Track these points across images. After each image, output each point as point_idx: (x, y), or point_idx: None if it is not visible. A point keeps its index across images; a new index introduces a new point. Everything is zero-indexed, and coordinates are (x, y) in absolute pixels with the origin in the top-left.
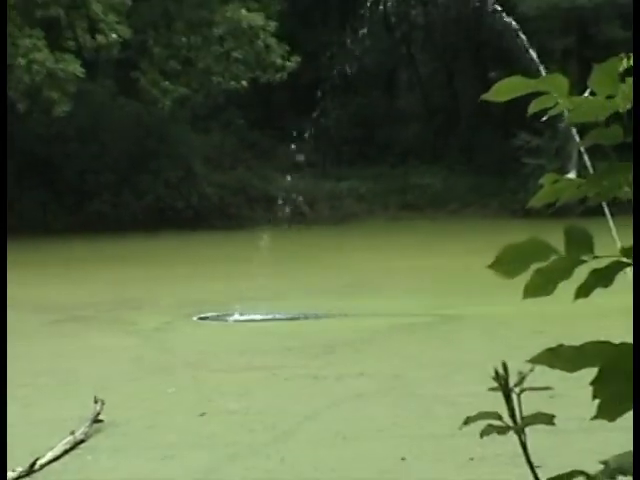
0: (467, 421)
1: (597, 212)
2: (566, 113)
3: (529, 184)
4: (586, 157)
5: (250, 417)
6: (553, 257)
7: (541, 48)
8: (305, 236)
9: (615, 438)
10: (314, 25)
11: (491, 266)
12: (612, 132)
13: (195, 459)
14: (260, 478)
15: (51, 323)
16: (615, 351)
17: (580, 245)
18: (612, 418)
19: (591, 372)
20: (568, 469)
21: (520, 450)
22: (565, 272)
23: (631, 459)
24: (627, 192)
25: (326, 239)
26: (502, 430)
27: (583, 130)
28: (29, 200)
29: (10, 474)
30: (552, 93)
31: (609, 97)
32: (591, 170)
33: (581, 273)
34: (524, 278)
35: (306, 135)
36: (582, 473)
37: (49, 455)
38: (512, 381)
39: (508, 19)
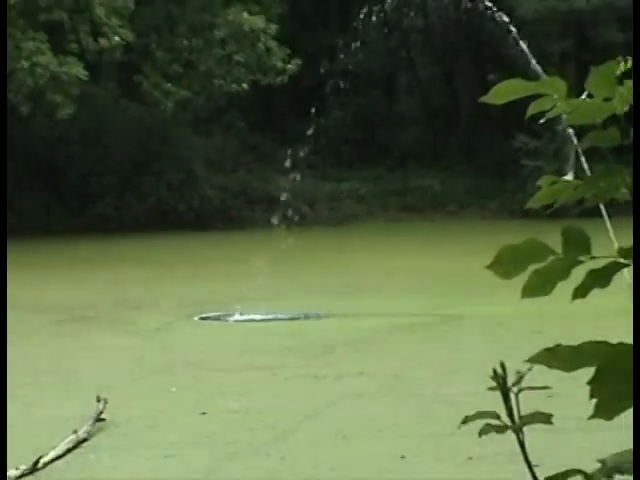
0: (466, 420)
1: (594, 213)
2: (564, 115)
3: (527, 185)
4: (583, 159)
5: (250, 416)
6: (551, 258)
7: (539, 51)
8: (305, 237)
9: (612, 437)
10: (314, 28)
11: (490, 267)
12: (609, 134)
13: (196, 458)
14: (260, 477)
15: (54, 323)
16: (612, 351)
17: (577, 246)
18: (609, 417)
19: (588, 372)
20: (566, 468)
21: (518, 449)
22: (563, 273)
23: (628, 458)
24: (624, 193)
25: (326, 240)
26: (500, 429)
27: (581, 132)
28: (33, 202)
29: (14, 472)
30: (550, 95)
31: (606, 100)
32: (588, 172)
33: (578, 274)
34: (522, 278)
35: (308, 133)
36: (580, 472)
37: (52, 454)
38: (510, 380)
39: (506, 21)
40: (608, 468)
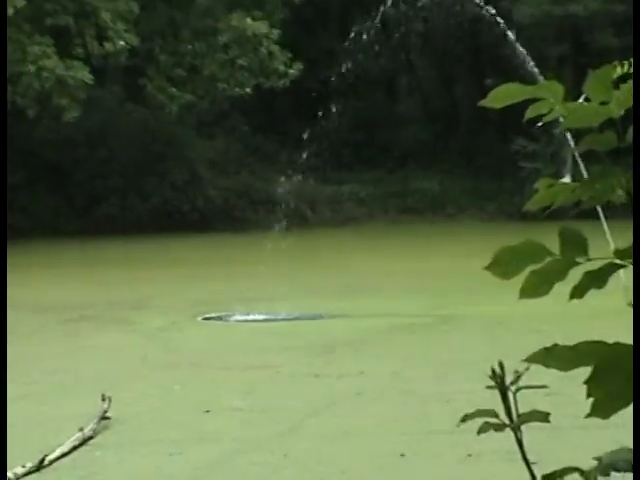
0: (465, 419)
1: (591, 215)
2: (561, 119)
3: (525, 188)
4: (580, 162)
5: (253, 414)
6: (548, 259)
7: (537, 55)
8: (307, 238)
9: (609, 435)
10: (316, 33)
11: (488, 267)
12: (606, 138)
13: (200, 454)
14: (264, 473)
15: (60, 322)
16: (609, 351)
17: (575, 247)
18: (606, 416)
19: (586, 371)
20: (563, 465)
21: (516, 447)
22: (560, 273)
23: (624, 455)
24: (620, 195)
25: (327, 241)
26: (499, 427)
27: (578, 136)
28: (41, 204)
29: (20, 469)
30: (548, 99)
31: (603, 103)
32: (585, 174)
33: (576, 274)
34: (521, 279)
35: (309, 136)
36: (576, 469)
37: (58, 451)
38: (509, 379)
39: (503, 26)
40: (604, 466)
